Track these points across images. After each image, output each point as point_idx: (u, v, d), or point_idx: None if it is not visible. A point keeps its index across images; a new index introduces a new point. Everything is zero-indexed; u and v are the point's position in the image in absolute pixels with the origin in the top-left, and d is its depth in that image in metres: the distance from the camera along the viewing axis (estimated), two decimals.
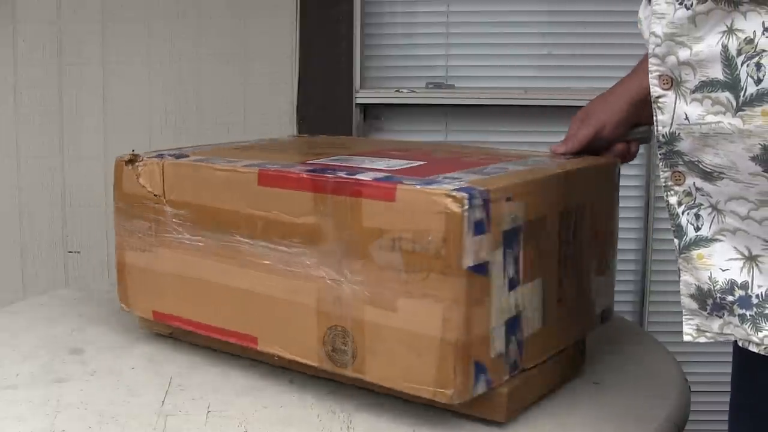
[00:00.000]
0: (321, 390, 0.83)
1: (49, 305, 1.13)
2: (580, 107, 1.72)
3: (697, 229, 0.69)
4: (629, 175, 1.69)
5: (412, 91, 1.69)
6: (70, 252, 1.72)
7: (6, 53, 1.67)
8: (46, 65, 1.67)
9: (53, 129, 1.69)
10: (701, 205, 0.68)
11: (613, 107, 0.96)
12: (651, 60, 0.66)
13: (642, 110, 0.96)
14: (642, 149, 1.67)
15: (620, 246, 1.75)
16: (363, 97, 1.68)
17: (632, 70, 0.98)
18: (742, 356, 0.73)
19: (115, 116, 1.69)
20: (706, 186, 0.67)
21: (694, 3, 0.62)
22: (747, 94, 0.60)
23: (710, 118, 0.63)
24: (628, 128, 0.97)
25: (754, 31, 0.59)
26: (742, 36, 0.60)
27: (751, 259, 0.66)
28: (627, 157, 1.00)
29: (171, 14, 1.65)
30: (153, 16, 1.66)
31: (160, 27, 1.66)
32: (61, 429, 0.77)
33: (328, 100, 1.66)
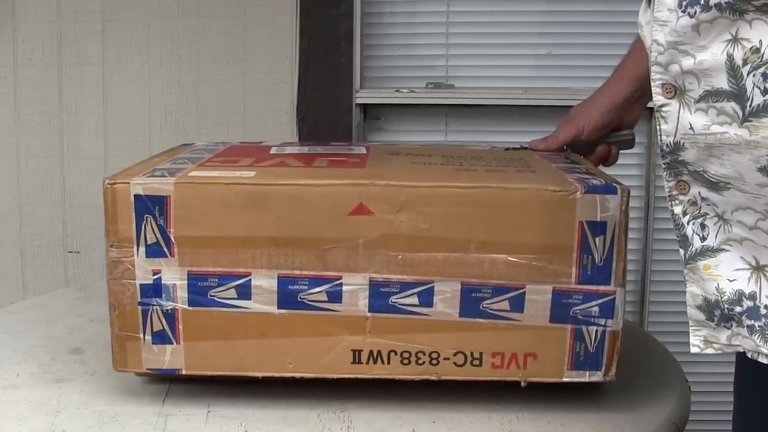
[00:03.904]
0: (321, 389, 0.83)
1: (49, 305, 1.13)
2: None
3: (703, 239, 0.68)
4: (629, 175, 1.69)
5: (412, 91, 1.69)
6: (70, 252, 1.72)
7: (6, 53, 1.67)
8: (46, 65, 1.67)
9: (53, 129, 1.69)
10: (707, 214, 0.67)
11: (592, 113, 1.00)
12: (654, 68, 0.65)
13: (622, 115, 1.00)
14: (642, 149, 1.68)
15: None
16: (363, 97, 1.68)
17: (609, 78, 1.02)
18: (748, 363, 0.72)
19: (115, 116, 1.69)
20: (712, 196, 0.66)
21: (698, 11, 0.61)
22: (753, 104, 0.59)
23: (716, 128, 0.62)
24: (608, 132, 1.01)
25: (760, 41, 0.58)
26: (747, 45, 0.59)
27: (758, 269, 0.65)
28: (608, 160, 1.03)
29: (171, 14, 1.65)
30: (153, 16, 1.66)
31: (160, 27, 1.66)
32: (61, 429, 0.77)
33: (328, 100, 1.66)
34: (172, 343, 0.80)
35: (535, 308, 0.79)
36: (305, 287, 0.79)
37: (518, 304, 0.79)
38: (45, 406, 0.81)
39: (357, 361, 0.80)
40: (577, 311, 0.79)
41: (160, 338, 0.81)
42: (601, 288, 0.79)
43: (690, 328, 0.71)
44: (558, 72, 1.70)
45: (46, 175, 1.70)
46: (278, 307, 0.79)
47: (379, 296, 0.79)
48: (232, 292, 0.79)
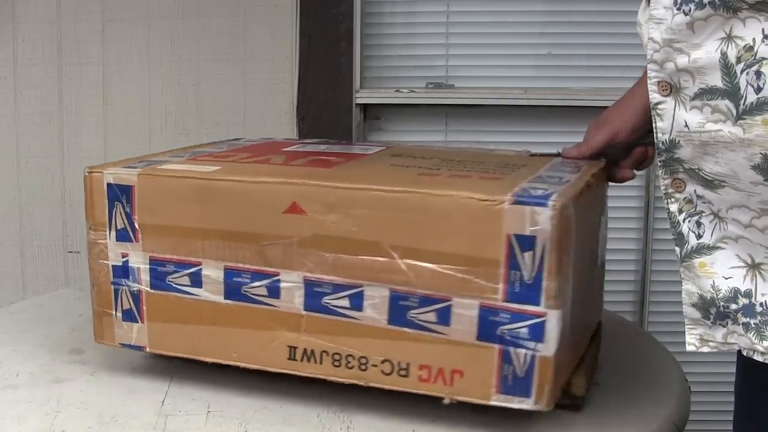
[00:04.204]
0: (321, 390, 0.83)
1: (49, 305, 1.13)
2: (579, 107, 1.72)
3: (699, 236, 0.68)
4: None
5: (412, 91, 1.69)
6: (70, 252, 1.72)
7: (6, 53, 1.67)
8: (46, 65, 1.67)
9: (53, 129, 1.69)
10: (702, 212, 0.68)
11: (627, 114, 0.92)
12: (649, 66, 0.66)
13: None
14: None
15: (620, 246, 1.77)
16: (363, 97, 1.68)
17: (641, 77, 0.97)
18: (749, 365, 0.72)
19: (115, 116, 1.69)
20: (707, 194, 0.66)
21: (692, 9, 0.61)
22: (747, 102, 0.60)
23: (710, 126, 0.62)
24: (644, 133, 0.93)
25: (754, 39, 0.59)
26: (741, 43, 0.59)
27: (754, 267, 0.65)
28: (645, 161, 0.95)
29: (171, 14, 1.65)
30: (153, 16, 1.66)
31: (160, 27, 1.66)
32: (61, 429, 0.77)
33: (328, 100, 1.66)
34: (138, 322, 0.86)
35: (461, 323, 0.74)
36: (248, 280, 0.81)
37: (445, 316, 0.75)
38: (45, 406, 0.81)
39: (292, 357, 0.81)
40: (505, 331, 0.73)
41: (128, 316, 0.86)
42: (530, 308, 0.72)
43: (686, 326, 0.71)
44: (558, 72, 1.70)
45: (46, 175, 1.70)
46: (225, 298, 0.82)
47: (314, 296, 0.79)
48: (186, 280, 0.83)
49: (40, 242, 1.72)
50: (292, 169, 0.86)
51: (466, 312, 0.74)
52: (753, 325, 0.65)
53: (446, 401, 0.76)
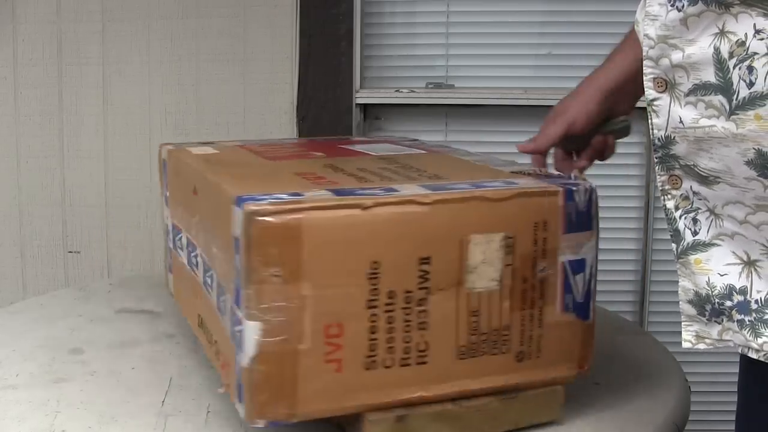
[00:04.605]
0: None
1: (49, 305, 1.13)
2: None
3: (695, 233, 0.68)
4: (629, 175, 1.69)
5: (412, 91, 1.69)
6: (70, 252, 1.72)
7: (6, 53, 1.67)
8: (46, 65, 1.67)
9: (53, 129, 1.69)
10: (699, 209, 0.68)
11: (583, 100, 0.90)
12: (645, 62, 0.66)
13: (615, 102, 0.89)
14: (641, 149, 1.68)
15: (620, 246, 1.77)
16: (363, 97, 1.68)
17: (601, 64, 0.93)
18: (754, 365, 0.72)
19: (115, 116, 1.69)
20: (703, 190, 0.66)
21: (686, 5, 0.62)
22: (740, 97, 0.60)
23: (704, 121, 0.63)
24: (602, 121, 0.90)
25: (746, 34, 0.59)
26: (733, 38, 0.60)
27: (749, 264, 0.65)
28: (606, 150, 0.91)
29: (171, 14, 1.65)
30: (153, 16, 1.66)
31: (160, 27, 1.66)
32: (61, 429, 0.77)
33: (328, 100, 1.66)
34: (171, 273, 1.03)
35: (227, 317, 0.74)
36: (190, 250, 0.90)
37: (224, 309, 0.74)
38: (45, 406, 0.81)
39: (199, 324, 0.88)
40: (235, 332, 0.70)
41: (170, 267, 1.04)
42: (238, 313, 0.69)
43: (682, 323, 0.71)
44: (558, 72, 1.70)
45: (46, 175, 1.70)
46: (186, 263, 0.92)
47: (205, 272, 0.84)
48: (179, 243, 0.96)
49: (40, 242, 1.72)
50: (238, 156, 0.95)
51: (227, 307, 0.74)
52: (747, 323, 0.65)
53: (221, 390, 0.77)
